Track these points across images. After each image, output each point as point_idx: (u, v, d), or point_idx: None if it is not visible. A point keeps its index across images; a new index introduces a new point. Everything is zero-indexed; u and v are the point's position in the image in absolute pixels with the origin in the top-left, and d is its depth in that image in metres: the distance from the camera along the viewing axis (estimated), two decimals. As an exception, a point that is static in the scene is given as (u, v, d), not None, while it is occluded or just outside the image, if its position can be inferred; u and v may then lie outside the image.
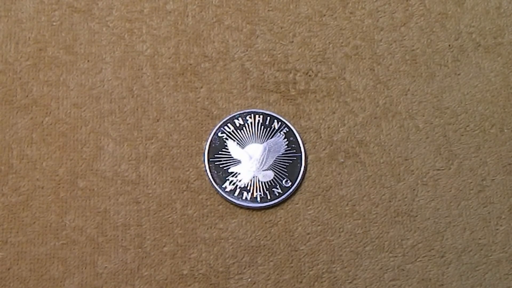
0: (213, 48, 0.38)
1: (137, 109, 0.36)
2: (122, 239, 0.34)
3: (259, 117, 0.36)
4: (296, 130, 0.36)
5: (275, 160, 0.35)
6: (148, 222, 0.35)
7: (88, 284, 0.34)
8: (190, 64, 0.37)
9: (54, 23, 0.38)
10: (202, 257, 0.34)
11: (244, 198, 0.35)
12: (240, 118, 0.36)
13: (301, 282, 0.34)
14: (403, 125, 0.37)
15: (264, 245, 0.34)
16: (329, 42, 0.38)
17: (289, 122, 0.36)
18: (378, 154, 0.36)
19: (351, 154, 0.36)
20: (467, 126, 0.36)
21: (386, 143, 0.36)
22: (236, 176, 0.35)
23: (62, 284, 0.34)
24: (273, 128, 0.36)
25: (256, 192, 0.35)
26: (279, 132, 0.36)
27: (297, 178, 0.35)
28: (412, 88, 0.37)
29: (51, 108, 0.36)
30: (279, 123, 0.36)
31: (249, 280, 0.34)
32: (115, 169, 0.35)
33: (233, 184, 0.35)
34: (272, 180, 0.35)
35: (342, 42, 0.38)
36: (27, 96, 0.36)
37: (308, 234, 0.35)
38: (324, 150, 0.36)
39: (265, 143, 0.36)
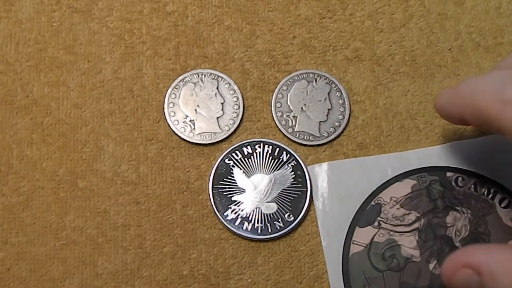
0: (213, 48, 0.38)
1: (137, 110, 0.36)
2: (122, 240, 0.34)
3: (268, 147, 0.36)
4: (304, 164, 0.35)
5: (280, 193, 0.35)
6: (148, 223, 0.35)
7: (88, 284, 0.33)
8: (190, 65, 0.37)
9: (54, 24, 0.38)
10: (202, 257, 0.34)
11: (244, 228, 0.34)
12: (249, 147, 0.36)
13: (301, 282, 0.34)
14: (403, 125, 0.37)
15: (264, 245, 0.34)
16: (329, 45, 0.38)
17: (298, 156, 0.36)
18: (377, 155, 0.36)
19: (351, 156, 0.36)
20: (467, 127, 0.36)
21: (386, 144, 0.36)
22: (238, 205, 0.35)
23: (62, 284, 0.33)
24: (281, 160, 0.36)
25: (257, 223, 0.35)
26: (287, 164, 0.35)
27: (300, 214, 0.34)
28: (412, 89, 0.37)
29: (51, 108, 0.36)
30: (288, 155, 0.36)
31: (249, 280, 0.34)
32: (115, 170, 0.35)
33: (235, 213, 0.34)
34: (274, 212, 0.35)
35: (342, 44, 0.38)
36: (27, 96, 0.36)
37: (308, 234, 0.35)
38: (324, 152, 0.36)
39: (271, 174, 0.35)
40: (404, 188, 0.35)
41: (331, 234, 0.34)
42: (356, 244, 0.34)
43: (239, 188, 0.35)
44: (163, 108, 0.36)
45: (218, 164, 0.35)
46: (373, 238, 0.34)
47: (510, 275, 0.25)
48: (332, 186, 0.35)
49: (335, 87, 0.37)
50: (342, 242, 0.34)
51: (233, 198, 0.35)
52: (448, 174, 0.35)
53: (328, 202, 0.35)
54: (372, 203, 0.34)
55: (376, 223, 0.34)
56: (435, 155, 0.36)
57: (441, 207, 0.34)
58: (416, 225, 0.34)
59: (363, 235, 0.34)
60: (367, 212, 0.34)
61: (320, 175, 0.35)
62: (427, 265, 0.33)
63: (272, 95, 0.37)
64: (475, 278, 0.27)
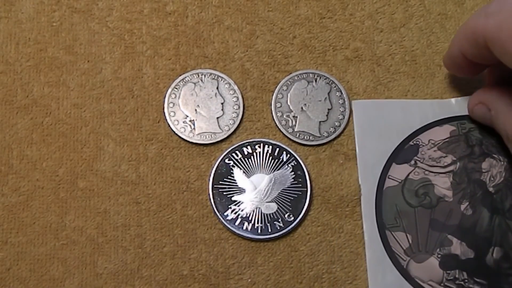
0: (213, 48, 0.38)
1: (137, 110, 0.36)
2: (122, 240, 0.34)
3: (268, 147, 0.36)
4: (304, 164, 0.35)
5: (279, 193, 0.35)
6: (148, 223, 0.35)
7: (88, 284, 0.33)
8: (190, 65, 0.37)
9: (54, 24, 0.38)
10: (202, 257, 0.34)
11: (244, 228, 0.34)
12: (249, 147, 0.36)
13: (301, 282, 0.34)
14: (403, 125, 0.37)
15: (264, 245, 0.34)
16: (329, 45, 0.38)
17: (298, 156, 0.36)
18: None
19: (351, 156, 0.36)
20: (467, 127, 0.37)
21: (386, 144, 0.36)
22: (238, 205, 0.35)
23: (62, 284, 0.34)
24: (281, 160, 0.36)
25: (257, 223, 0.34)
26: (287, 164, 0.35)
27: (300, 214, 0.34)
28: (412, 89, 0.37)
29: (51, 108, 0.36)
30: (288, 155, 0.36)
31: (249, 280, 0.34)
32: (115, 170, 0.35)
33: (235, 213, 0.34)
34: (274, 212, 0.35)
35: (342, 44, 0.38)
36: (27, 96, 0.36)
37: (308, 234, 0.35)
38: (324, 152, 0.36)
39: (271, 174, 0.35)
40: (443, 132, 0.36)
41: (368, 167, 0.35)
42: (392, 179, 0.35)
43: (239, 188, 0.35)
44: (163, 108, 0.36)
45: (218, 164, 0.35)
46: (408, 175, 0.35)
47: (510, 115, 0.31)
48: (374, 122, 0.36)
49: (335, 87, 0.37)
50: (378, 176, 0.35)
51: (233, 198, 0.35)
52: None
53: (369, 137, 0.36)
54: (411, 143, 0.36)
55: (412, 162, 0.35)
56: None
57: (477, 153, 0.35)
58: (451, 168, 0.35)
59: (399, 171, 0.35)
60: (405, 151, 0.35)
61: (364, 110, 0.36)
62: (458, 206, 0.34)
63: (272, 95, 0.37)
64: (488, 113, 0.33)
